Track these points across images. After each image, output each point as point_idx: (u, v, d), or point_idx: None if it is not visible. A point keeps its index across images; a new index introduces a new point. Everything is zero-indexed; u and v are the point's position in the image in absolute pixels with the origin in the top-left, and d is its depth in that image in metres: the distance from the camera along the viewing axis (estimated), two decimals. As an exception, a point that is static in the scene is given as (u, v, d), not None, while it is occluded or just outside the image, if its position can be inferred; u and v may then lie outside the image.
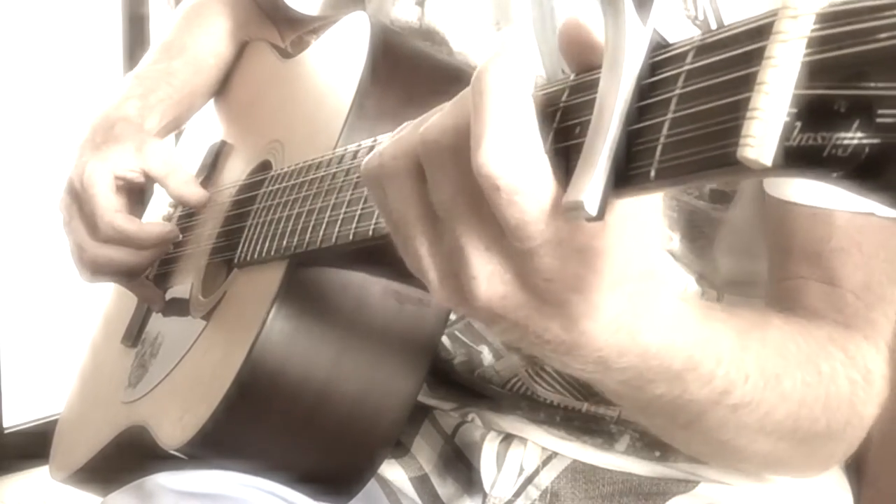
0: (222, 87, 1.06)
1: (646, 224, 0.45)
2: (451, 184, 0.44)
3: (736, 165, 0.35)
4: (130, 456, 0.88)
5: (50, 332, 2.10)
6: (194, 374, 0.81)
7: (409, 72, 0.77)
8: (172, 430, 0.77)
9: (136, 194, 0.93)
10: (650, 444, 0.83)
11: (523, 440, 0.84)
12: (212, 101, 1.07)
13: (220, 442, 0.74)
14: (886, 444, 0.86)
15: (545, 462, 0.84)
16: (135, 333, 0.99)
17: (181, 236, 0.96)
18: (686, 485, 0.83)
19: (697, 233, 0.78)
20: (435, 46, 0.84)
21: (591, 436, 0.84)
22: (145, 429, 0.84)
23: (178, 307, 0.93)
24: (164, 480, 0.77)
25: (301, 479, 0.76)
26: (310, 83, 0.88)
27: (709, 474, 0.83)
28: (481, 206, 0.43)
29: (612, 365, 0.49)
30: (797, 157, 0.33)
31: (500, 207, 0.42)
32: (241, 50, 1.06)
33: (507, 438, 0.85)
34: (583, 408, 0.83)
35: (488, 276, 0.45)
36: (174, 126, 1.01)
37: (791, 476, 0.81)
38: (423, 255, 0.47)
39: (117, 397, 0.95)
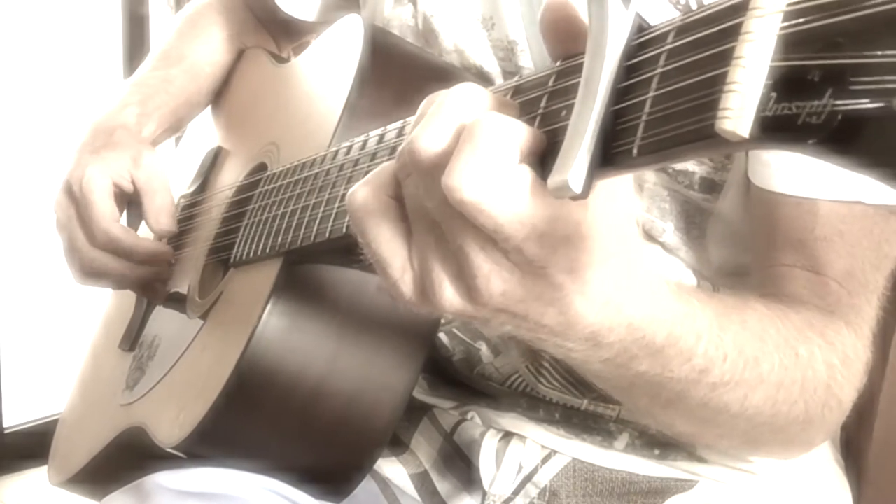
0: (219, 94, 1.08)
1: (622, 200, 0.47)
2: (436, 192, 0.45)
3: (714, 138, 0.36)
4: (129, 457, 0.89)
5: (50, 333, 2.10)
6: (191, 373, 0.82)
7: (401, 72, 0.78)
8: (170, 429, 0.78)
9: (135, 203, 0.94)
10: (649, 443, 0.83)
11: (522, 438, 0.85)
12: (209, 108, 1.08)
13: (216, 439, 0.74)
14: (886, 444, 0.86)
15: (544, 460, 0.84)
16: (132, 338, 1.00)
17: (174, 260, 0.96)
18: (685, 484, 0.83)
19: (690, 224, 0.78)
20: (427, 46, 0.85)
21: (590, 434, 0.84)
22: (143, 429, 0.84)
23: (175, 308, 0.93)
24: (163, 480, 0.77)
25: (298, 474, 0.77)
26: (304, 85, 0.89)
27: (708, 473, 0.83)
28: None
29: (601, 340, 0.51)
30: (773, 128, 0.34)
31: (472, 217, 0.44)
32: (237, 58, 1.08)
33: (507, 436, 0.85)
34: (582, 405, 0.83)
35: (487, 274, 0.46)
36: (171, 133, 1.03)
37: (771, 458, 0.82)
38: (426, 259, 0.48)
39: (115, 401, 0.95)
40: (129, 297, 1.03)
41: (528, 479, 0.85)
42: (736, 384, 0.60)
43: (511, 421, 0.86)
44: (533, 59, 0.80)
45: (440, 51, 0.84)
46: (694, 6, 0.70)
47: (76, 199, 0.92)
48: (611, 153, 0.41)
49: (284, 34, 1.11)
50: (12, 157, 2.15)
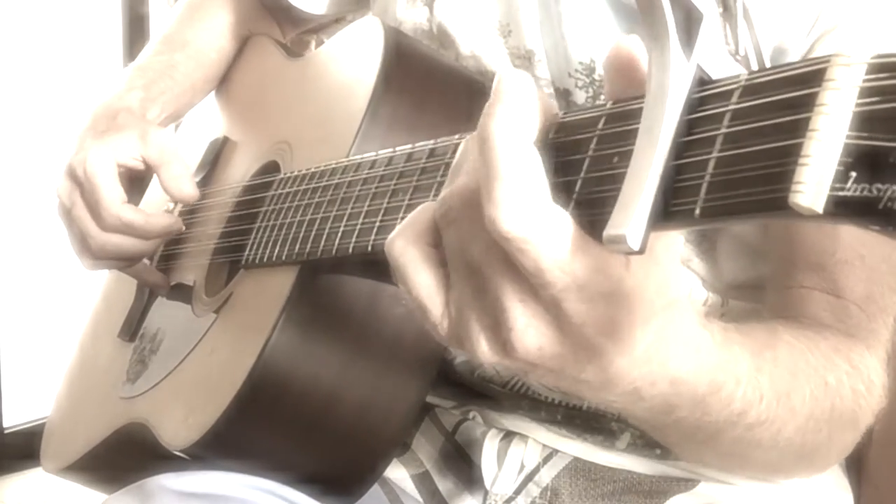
0: (224, 81, 1.06)
1: (669, 254, 0.46)
2: (479, 238, 0.45)
3: (786, 210, 0.35)
4: (129, 452, 0.89)
5: (50, 333, 2.09)
6: (200, 374, 0.81)
7: (422, 78, 0.77)
8: (177, 431, 0.77)
9: (137, 182, 0.93)
10: (651, 443, 0.84)
11: (524, 437, 0.85)
12: (212, 94, 1.07)
13: (226, 444, 0.74)
14: (886, 444, 0.87)
15: (546, 459, 0.85)
16: (133, 328, 0.99)
17: (184, 228, 0.96)
18: (686, 483, 0.84)
19: (702, 236, 0.79)
20: (443, 49, 0.84)
21: (592, 433, 0.84)
22: (146, 426, 0.84)
23: (178, 300, 0.92)
24: (166, 481, 0.77)
25: (306, 481, 0.77)
26: (321, 86, 0.88)
27: (709, 473, 0.84)
28: (508, 258, 0.44)
29: (644, 395, 0.50)
30: (851, 207, 0.33)
31: (514, 256, 0.43)
32: (242, 44, 1.06)
33: (508, 436, 0.85)
34: (584, 405, 0.83)
35: (524, 329, 0.45)
36: (174, 118, 1.02)
37: (787, 479, 0.83)
38: (462, 311, 0.47)
39: (115, 392, 0.94)
40: (130, 282, 1.01)
41: (529, 478, 0.85)
42: (771, 423, 0.60)
43: (513, 421, 0.86)
44: (550, 69, 0.79)
45: (456, 56, 0.83)
46: (753, 60, 0.70)
47: (80, 184, 0.90)
48: (670, 210, 0.40)
49: (289, 22, 1.09)
50: (12, 160, 2.13)
